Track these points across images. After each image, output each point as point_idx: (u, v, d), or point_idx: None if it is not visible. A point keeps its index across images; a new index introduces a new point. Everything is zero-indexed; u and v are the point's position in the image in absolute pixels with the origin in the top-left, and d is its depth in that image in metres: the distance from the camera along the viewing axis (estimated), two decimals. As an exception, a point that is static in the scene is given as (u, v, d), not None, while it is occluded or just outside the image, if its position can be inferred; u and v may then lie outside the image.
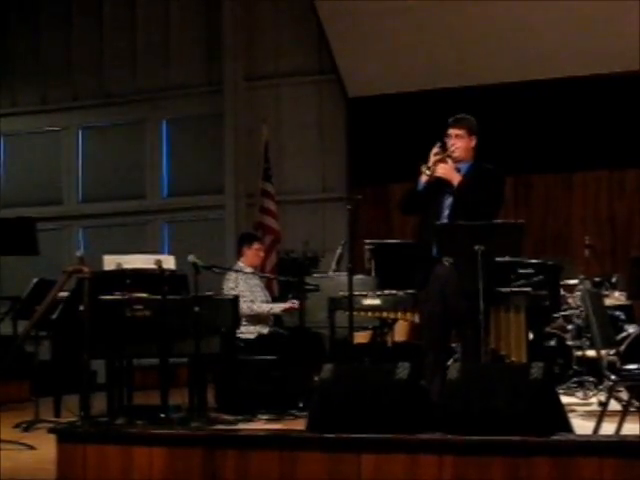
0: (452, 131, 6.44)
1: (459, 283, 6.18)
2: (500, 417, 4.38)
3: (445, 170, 6.34)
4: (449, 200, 6.37)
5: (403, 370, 4.65)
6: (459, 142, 6.42)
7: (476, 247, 5.94)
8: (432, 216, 6.31)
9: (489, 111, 12.07)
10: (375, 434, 4.48)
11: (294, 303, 8.26)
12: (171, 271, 7.38)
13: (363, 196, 9.55)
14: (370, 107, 13.14)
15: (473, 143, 6.48)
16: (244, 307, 8.14)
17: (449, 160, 6.38)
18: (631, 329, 8.50)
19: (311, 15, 13.34)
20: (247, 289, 8.31)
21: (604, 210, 12.35)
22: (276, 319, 8.60)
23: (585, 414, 7.38)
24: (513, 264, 8.31)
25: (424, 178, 6.33)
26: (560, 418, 4.54)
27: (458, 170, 6.41)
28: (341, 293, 7.26)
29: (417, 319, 6.88)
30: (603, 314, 6.29)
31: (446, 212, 6.36)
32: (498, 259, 6.70)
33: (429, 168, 6.30)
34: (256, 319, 8.29)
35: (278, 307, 8.47)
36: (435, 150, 6.36)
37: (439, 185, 6.35)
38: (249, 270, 8.47)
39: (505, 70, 12.24)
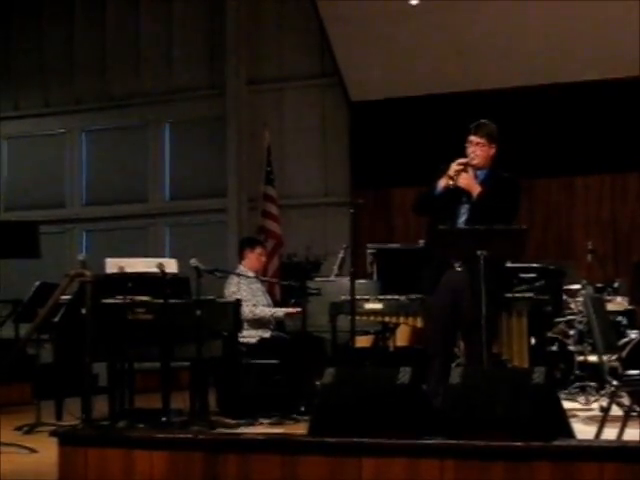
0: (473, 138, 6.40)
1: (471, 289, 6.14)
2: (501, 422, 4.38)
3: (467, 181, 6.31)
4: (465, 207, 6.34)
5: (405, 375, 4.64)
6: (479, 150, 6.38)
7: (479, 252, 5.94)
8: (446, 222, 6.28)
9: (491, 116, 12.02)
10: (376, 438, 4.48)
11: (296, 309, 8.29)
12: (173, 274, 7.38)
13: (365, 200, 9.54)
14: (373, 111, 13.14)
15: (493, 151, 6.44)
16: (246, 311, 8.15)
17: (469, 169, 6.35)
18: (633, 334, 8.50)
19: (314, 19, 13.35)
20: (249, 293, 8.31)
21: (606, 214, 12.35)
22: (278, 323, 8.60)
23: (587, 419, 7.38)
24: (515, 269, 8.32)
25: (443, 183, 6.31)
26: (561, 423, 4.53)
27: (475, 177, 6.39)
28: (343, 297, 7.26)
29: (419, 324, 6.89)
30: (605, 319, 6.29)
31: (462, 219, 6.33)
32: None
33: (452, 178, 6.27)
34: (258, 323, 8.29)
35: (281, 311, 8.47)
36: (459, 161, 6.31)
37: (456, 191, 6.33)
38: (251, 274, 8.47)
39: (508, 75, 12.25)
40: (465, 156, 6.41)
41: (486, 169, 6.45)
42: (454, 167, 6.30)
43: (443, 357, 6.34)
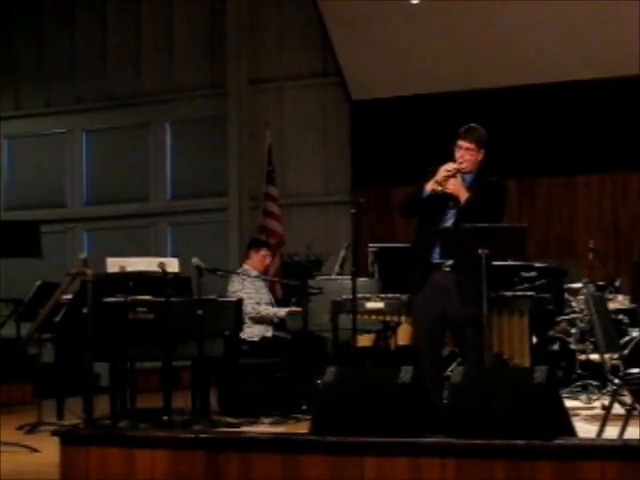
0: (462, 143, 6.33)
1: (460, 288, 6.14)
2: (503, 421, 4.38)
3: (455, 186, 6.27)
4: (453, 210, 6.32)
5: (406, 373, 4.64)
6: (468, 155, 6.31)
7: (480, 250, 5.93)
8: (433, 223, 6.26)
9: (493, 115, 12.06)
10: (378, 437, 4.48)
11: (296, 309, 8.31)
12: (174, 274, 7.39)
13: (367, 199, 9.55)
14: (374, 110, 13.13)
15: (481, 156, 6.38)
16: (249, 308, 8.17)
17: (458, 174, 6.31)
18: (634, 333, 8.50)
19: (315, 18, 13.35)
20: (253, 291, 8.34)
21: (608, 213, 12.35)
22: (279, 322, 8.61)
23: (588, 418, 7.38)
24: (516, 267, 8.31)
25: (430, 187, 6.27)
26: (563, 422, 4.53)
27: (463, 180, 6.36)
28: (344, 296, 7.26)
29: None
30: (607, 318, 6.29)
31: (448, 223, 6.30)
32: (501, 262, 6.69)
33: (440, 183, 6.24)
34: (260, 320, 8.30)
35: (283, 310, 8.48)
36: (448, 167, 6.27)
37: (443, 196, 6.30)
38: (255, 273, 8.49)
39: (509, 74, 12.24)
40: (453, 159, 6.36)
41: (473, 173, 6.41)
42: (443, 173, 6.25)
43: (434, 358, 6.32)
